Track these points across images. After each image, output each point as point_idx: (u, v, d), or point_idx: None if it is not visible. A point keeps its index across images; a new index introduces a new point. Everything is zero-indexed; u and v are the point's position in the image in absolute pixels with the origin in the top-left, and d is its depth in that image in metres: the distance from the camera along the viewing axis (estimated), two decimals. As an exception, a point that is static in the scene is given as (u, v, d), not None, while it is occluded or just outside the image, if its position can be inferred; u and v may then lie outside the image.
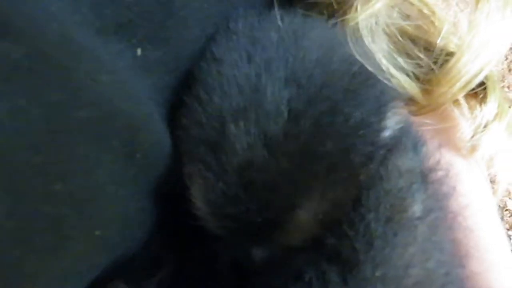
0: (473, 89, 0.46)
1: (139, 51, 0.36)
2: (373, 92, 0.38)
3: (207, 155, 0.35)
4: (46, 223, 0.32)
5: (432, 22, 0.46)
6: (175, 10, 0.37)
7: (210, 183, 0.35)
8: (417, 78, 0.46)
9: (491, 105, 0.45)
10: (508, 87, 1.73)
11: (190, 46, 0.40)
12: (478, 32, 0.44)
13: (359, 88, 0.37)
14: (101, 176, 0.35)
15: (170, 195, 0.43)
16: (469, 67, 0.44)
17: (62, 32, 0.29)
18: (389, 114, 0.38)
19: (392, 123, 0.38)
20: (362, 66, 0.38)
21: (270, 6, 0.43)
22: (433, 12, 0.46)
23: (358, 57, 0.39)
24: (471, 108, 0.46)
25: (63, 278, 0.35)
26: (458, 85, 0.45)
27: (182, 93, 0.40)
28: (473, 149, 0.44)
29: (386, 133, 0.38)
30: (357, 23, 0.43)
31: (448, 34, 0.46)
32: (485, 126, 0.44)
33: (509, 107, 0.48)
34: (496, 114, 0.45)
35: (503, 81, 1.84)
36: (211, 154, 0.35)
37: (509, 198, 1.75)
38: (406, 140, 0.39)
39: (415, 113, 0.46)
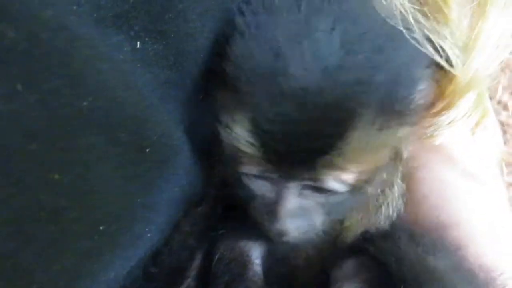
0: None
1: (138, 44, 0.36)
2: (412, 48, 0.41)
3: (260, 82, 0.37)
4: (44, 214, 0.31)
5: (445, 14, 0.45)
6: (173, 2, 0.36)
7: (264, 108, 0.37)
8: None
9: (463, 105, 0.46)
10: (502, 90, 1.75)
11: (191, 41, 0.39)
12: (483, 33, 0.45)
13: (400, 38, 0.40)
14: (106, 169, 0.35)
15: (186, 194, 0.44)
16: (482, 66, 0.45)
17: (57, 19, 0.29)
18: (426, 77, 0.42)
19: (423, 90, 0.41)
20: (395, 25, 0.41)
21: None
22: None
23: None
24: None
25: (70, 276, 0.34)
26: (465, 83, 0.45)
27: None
28: (432, 139, 0.47)
29: (417, 98, 0.40)
30: None
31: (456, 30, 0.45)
32: (449, 123, 0.46)
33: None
34: (465, 113, 0.47)
35: (496, 83, 1.85)
36: (265, 81, 0.37)
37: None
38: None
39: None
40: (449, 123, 0.46)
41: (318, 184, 0.41)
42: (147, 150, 0.37)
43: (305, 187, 0.42)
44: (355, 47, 0.37)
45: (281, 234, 0.43)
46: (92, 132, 0.33)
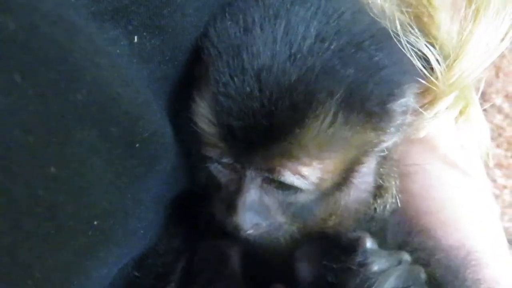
0: None
1: (135, 38, 0.36)
2: (397, 52, 0.40)
3: (226, 56, 0.37)
4: (40, 208, 0.31)
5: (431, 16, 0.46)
6: None
7: (225, 82, 0.36)
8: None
9: (446, 100, 0.47)
10: (496, 93, 1.76)
11: (188, 35, 0.40)
12: (472, 37, 0.45)
13: (385, 40, 0.39)
14: (98, 164, 0.34)
15: (172, 191, 0.44)
16: (468, 69, 0.45)
17: (57, 11, 0.29)
18: (407, 86, 0.40)
19: (408, 96, 0.40)
20: (385, 28, 0.41)
21: None
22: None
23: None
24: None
25: (65, 272, 0.35)
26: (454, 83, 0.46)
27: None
28: (417, 132, 0.47)
29: (399, 101, 0.39)
30: None
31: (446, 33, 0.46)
32: (434, 115, 0.47)
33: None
34: (449, 106, 0.48)
35: (490, 87, 1.86)
36: (231, 55, 0.37)
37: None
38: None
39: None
40: (433, 116, 0.47)
41: (276, 177, 0.39)
42: (137, 145, 0.37)
43: (266, 181, 0.40)
44: (331, 38, 0.36)
45: (237, 228, 0.41)
46: (86, 126, 0.33)
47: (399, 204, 0.45)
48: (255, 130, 0.36)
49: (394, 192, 0.46)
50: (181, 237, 0.47)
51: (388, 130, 0.40)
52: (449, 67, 0.45)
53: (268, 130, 0.36)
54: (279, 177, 0.39)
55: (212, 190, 0.44)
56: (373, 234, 0.40)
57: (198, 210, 0.48)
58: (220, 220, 0.43)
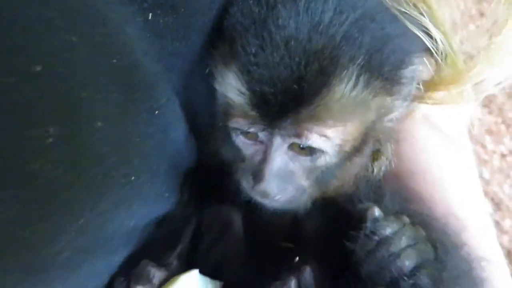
0: None
1: (150, 16, 0.39)
2: (405, 26, 0.43)
3: (253, 30, 0.40)
4: (89, 159, 0.36)
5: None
6: None
7: (254, 54, 0.40)
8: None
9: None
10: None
11: (200, 16, 0.43)
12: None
13: (395, 15, 0.42)
14: (128, 126, 0.39)
15: (185, 161, 0.48)
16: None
17: None
18: (415, 55, 0.43)
19: (416, 64, 0.44)
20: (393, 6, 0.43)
21: None
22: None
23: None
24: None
25: (104, 218, 0.39)
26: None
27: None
28: (410, 113, 0.49)
29: (409, 68, 0.43)
30: None
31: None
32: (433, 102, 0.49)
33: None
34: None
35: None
36: (258, 28, 0.40)
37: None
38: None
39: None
40: (433, 102, 0.49)
41: (303, 141, 0.42)
42: (156, 112, 0.41)
43: (291, 148, 0.43)
44: (348, 10, 0.40)
45: (265, 194, 0.44)
46: (119, 89, 0.37)
47: (393, 166, 0.48)
48: (286, 95, 0.39)
49: (390, 155, 0.49)
50: (192, 203, 0.51)
51: (400, 96, 0.44)
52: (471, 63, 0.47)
53: (297, 94, 0.39)
54: (306, 141, 0.41)
55: (235, 162, 0.47)
56: (373, 202, 0.43)
57: (207, 180, 0.52)
58: (247, 189, 0.46)
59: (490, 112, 2.07)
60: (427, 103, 0.49)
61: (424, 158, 0.51)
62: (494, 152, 1.96)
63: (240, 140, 0.46)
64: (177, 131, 0.46)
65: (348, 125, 0.42)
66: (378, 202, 0.43)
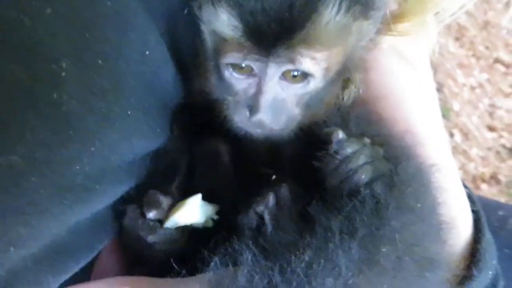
0: None
1: None
2: None
3: None
4: (94, 93, 0.41)
5: None
6: None
7: None
8: None
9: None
10: None
11: None
12: None
13: None
14: (123, 65, 0.44)
15: (174, 99, 0.53)
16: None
17: None
18: None
19: None
20: None
21: None
22: None
23: None
24: None
25: (113, 147, 0.45)
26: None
27: None
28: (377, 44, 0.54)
29: None
30: None
31: None
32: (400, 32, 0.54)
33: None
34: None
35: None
36: None
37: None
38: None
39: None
40: (398, 33, 0.54)
41: (297, 66, 0.46)
42: (147, 53, 0.46)
43: (284, 77, 0.48)
44: None
45: (261, 124, 0.49)
46: (113, 30, 0.43)
47: (360, 93, 0.54)
48: (279, 23, 0.43)
49: (358, 84, 0.55)
50: (182, 139, 0.56)
51: (374, 21, 0.49)
52: None
53: (289, 21, 0.43)
54: (299, 65, 0.46)
55: (226, 98, 0.52)
56: (340, 127, 0.50)
57: (194, 117, 0.57)
58: (241, 121, 0.51)
59: (461, 46, 2.14)
60: (393, 35, 0.54)
61: (388, 83, 0.57)
62: (464, 85, 2.05)
63: (233, 76, 0.49)
64: (165, 72, 0.50)
65: (333, 50, 0.47)
66: (344, 126, 0.50)
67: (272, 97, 0.48)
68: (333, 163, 0.47)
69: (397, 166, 0.46)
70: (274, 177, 0.51)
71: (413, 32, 0.55)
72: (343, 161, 0.46)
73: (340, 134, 0.47)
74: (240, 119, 0.51)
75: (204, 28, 0.49)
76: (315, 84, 0.49)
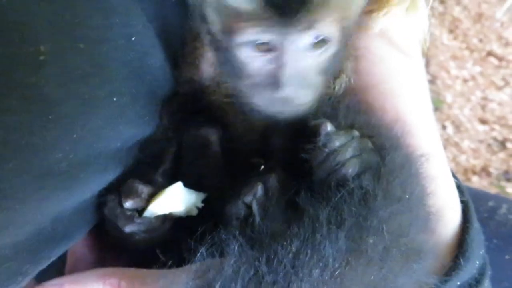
0: None
1: None
2: None
3: None
4: (74, 78, 0.41)
5: None
6: None
7: None
8: None
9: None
10: None
11: None
12: None
13: None
14: (108, 50, 0.43)
15: (162, 87, 0.52)
16: None
17: None
18: None
19: None
20: None
21: None
22: None
23: None
24: None
25: (95, 137, 0.44)
26: None
27: None
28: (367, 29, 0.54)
29: None
30: None
31: None
32: (385, 14, 0.54)
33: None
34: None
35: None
36: None
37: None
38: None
39: None
40: (385, 14, 0.54)
41: (318, 31, 0.44)
42: (133, 38, 0.45)
43: (304, 45, 0.45)
44: None
45: (287, 100, 0.47)
46: (97, 13, 0.42)
47: (351, 82, 0.53)
48: None
49: (349, 73, 0.54)
50: (171, 127, 0.55)
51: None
52: None
53: None
54: (320, 30, 0.45)
55: (241, 82, 0.49)
56: (329, 118, 0.49)
57: (183, 105, 0.56)
58: (263, 103, 0.48)
59: (455, 38, 2.14)
60: (383, 16, 0.54)
61: (378, 71, 0.56)
62: (457, 77, 2.06)
63: (249, 56, 0.46)
64: (153, 59, 0.49)
65: (345, 11, 0.46)
66: (334, 117, 0.50)
67: (294, 68, 0.46)
68: (321, 156, 0.46)
69: (385, 157, 0.46)
70: (263, 167, 0.51)
71: (403, 12, 0.54)
72: (331, 154, 0.46)
73: (329, 127, 0.47)
74: (262, 101, 0.48)
75: (207, 9, 0.47)
76: (332, 48, 0.47)
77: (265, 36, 0.44)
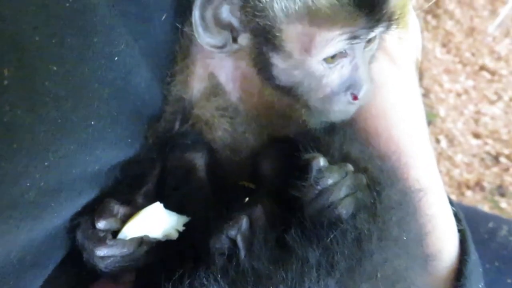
0: None
1: None
2: None
3: None
4: (49, 99, 0.38)
5: None
6: None
7: None
8: None
9: None
10: None
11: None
12: None
13: None
14: (86, 71, 0.41)
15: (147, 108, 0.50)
16: None
17: None
18: None
19: None
20: None
21: None
22: None
23: None
24: None
25: (70, 160, 0.41)
26: None
27: None
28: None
29: None
30: None
31: None
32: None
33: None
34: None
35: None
36: None
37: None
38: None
39: None
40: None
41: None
42: (116, 58, 0.43)
43: (364, 45, 0.47)
44: None
45: (363, 97, 0.47)
46: (74, 33, 0.39)
47: None
48: None
49: None
50: (156, 148, 0.52)
51: None
52: None
53: None
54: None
55: (317, 91, 0.48)
56: (324, 145, 0.46)
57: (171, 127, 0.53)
58: (343, 108, 0.48)
59: (448, 52, 2.13)
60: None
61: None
62: (450, 91, 2.04)
63: (326, 68, 0.46)
64: (138, 78, 0.47)
65: None
66: (329, 145, 0.46)
67: (364, 67, 0.48)
68: (312, 193, 0.43)
69: (381, 193, 0.43)
70: (247, 199, 0.47)
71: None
72: (323, 192, 0.42)
73: (321, 162, 0.43)
74: (341, 106, 0.48)
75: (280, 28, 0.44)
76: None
77: (360, 34, 0.44)
